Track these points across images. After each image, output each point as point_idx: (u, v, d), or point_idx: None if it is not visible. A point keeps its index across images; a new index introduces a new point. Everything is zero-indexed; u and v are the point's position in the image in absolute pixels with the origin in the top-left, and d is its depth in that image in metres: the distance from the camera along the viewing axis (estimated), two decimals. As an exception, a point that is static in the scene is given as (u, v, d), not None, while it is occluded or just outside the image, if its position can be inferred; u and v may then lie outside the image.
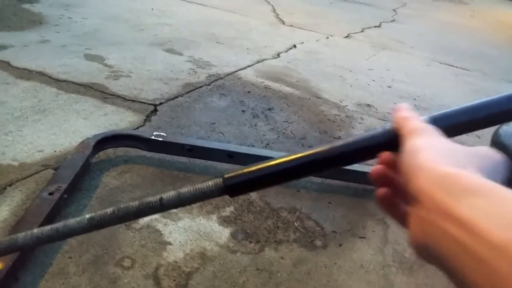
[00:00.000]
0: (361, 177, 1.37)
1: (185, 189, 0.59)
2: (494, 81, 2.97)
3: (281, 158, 0.50)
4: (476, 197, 0.25)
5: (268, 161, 0.51)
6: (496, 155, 0.34)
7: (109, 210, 0.67)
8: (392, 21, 4.50)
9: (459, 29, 4.71)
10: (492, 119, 0.51)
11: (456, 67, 3.09)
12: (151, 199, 0.61)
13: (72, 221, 0.71)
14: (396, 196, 0.39)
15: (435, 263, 0.29)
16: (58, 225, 0.71)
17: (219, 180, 0.54)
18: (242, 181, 0.52)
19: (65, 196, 1.05)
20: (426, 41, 3.84)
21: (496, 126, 1.01)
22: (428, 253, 0.29)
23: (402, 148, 0.35)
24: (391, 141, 0.42)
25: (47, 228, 0.69)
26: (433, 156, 0.31)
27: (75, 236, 0.74)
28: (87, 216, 0.70)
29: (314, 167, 0.51)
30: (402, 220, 0.38)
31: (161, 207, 0.61)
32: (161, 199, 0.60)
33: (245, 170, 0.52)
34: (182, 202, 0.59)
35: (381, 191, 0.40)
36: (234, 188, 0.52)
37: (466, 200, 0.26)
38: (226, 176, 0.52)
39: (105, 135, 1.26)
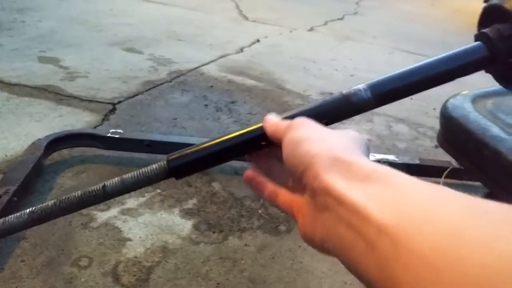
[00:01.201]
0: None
1: (129, 175, 0.56)
2: (453, 65, 3.05)
3: (223, 136, 0.49)
4: (371, 183, 0.26)
5: (211, 140, 0.49)
6: (362, 137, 0.36)
7: (50, 202, 0.64)
8: (354, 13, 4.57)
9: (420, 18, 4.84)
10: (427, 83, 0.51)
11: (418, 54, 3.17)
12: (93, 187, 0.59)
13: (11, 217, 0.67)
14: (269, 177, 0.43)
15: (334, 254, 0.28)
16: (-4, 222, 0.67)
17: (163, 163, 0.52)
18: (187, 162, 0.50)
19: (15, 199, 1.00)
20: (388, 31, 3.92)
21: (445, 100, 1.04)
22: (324, 243, 0.29)
23: (283, 144, 0.36)
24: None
25: (-17, 227, 0.65)
26: (326, 144, 0.32)
27: (18, 232, 0.71)
28: (27, 210, 0.67)
29: (256, 143, 0.50)
30: (272, 198, 0.41)
31: (105, 194, 0.58)
32: (104, 186, 0.58)
33: (189, 151, 0.50)
34: (126, 188, 0.57)
35: (249, 173, 0.44)
36: (179, 169, 0.50)
37: (361, 187, 0.26)
38: (170, 158, 0.50)
39: (57, 135, 1.22)
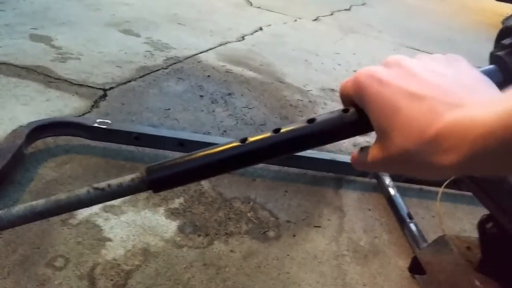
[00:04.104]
0: (319, 164, 1.33)
1: (102, 184, 0.51)
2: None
3: (215, 147, 0.44)
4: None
5: (200, 151, 0.45)
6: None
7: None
8: (362, 4, 4.45)
9: (427, 14, 4.73)
10: None
11: (422, 51, 3.08)
12: (66, 195, 0.54)
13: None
14: None
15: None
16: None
17: (141, 173, 0.47)
18: (170, 174, 0.45)
19: (-9, 190, 0.95)
20: (395, 25, 3.83)
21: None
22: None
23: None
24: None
25: None
26: None
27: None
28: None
29: (256, 156, 0.45)
30: None
31: (78, 203, 0.54)
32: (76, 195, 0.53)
33: (173, 162, 0.46)
34: (96, 199, 0.52)
35: None
36: (160, 182, 0.46)
37: None
38: (151, 168, 0.46)
39: (41, 123, 1.16)
